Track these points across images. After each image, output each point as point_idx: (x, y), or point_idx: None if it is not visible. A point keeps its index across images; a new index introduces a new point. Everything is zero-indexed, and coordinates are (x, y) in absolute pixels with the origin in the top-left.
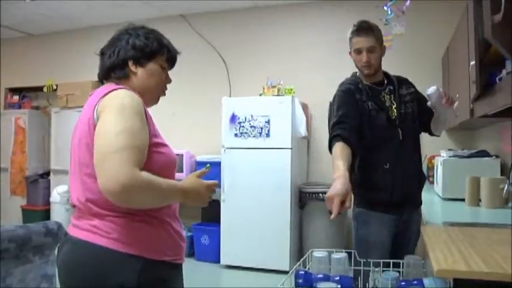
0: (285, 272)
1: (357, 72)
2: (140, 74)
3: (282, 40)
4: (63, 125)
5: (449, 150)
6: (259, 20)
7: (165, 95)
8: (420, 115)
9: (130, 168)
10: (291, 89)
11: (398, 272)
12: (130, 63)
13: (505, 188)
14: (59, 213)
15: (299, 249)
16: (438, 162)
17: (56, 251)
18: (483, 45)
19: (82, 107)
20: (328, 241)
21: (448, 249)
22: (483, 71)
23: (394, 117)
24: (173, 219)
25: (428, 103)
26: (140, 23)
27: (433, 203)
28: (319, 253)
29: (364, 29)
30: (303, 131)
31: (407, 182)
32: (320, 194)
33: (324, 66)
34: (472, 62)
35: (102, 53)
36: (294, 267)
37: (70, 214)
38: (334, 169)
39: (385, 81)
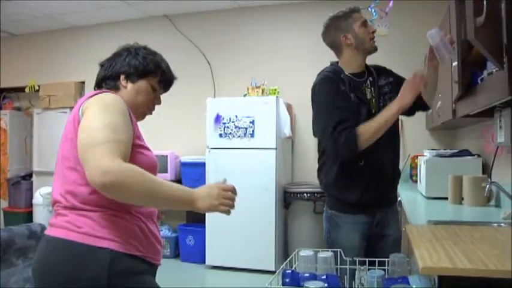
0: (271, 272)
1: (337, 62)
2: (129, 89)
3: (266, 40)
4: (45, 126)
5: (432, 149)
6: (243, 21)
7: (151, 114)
8: None
9: (114, 158)
10: (275, 90)
11: (384, 270)
12: (122, 77)
13: (487, 186)
14: (41, 215)
15: (284, 249)
16: (421, 161)
17: None
18: (465, 46)
19: (65, 108)
20: (312, 240)
21: (432, 247)
22: (465, 72)
23: (374, 111)
24: (148, 220)
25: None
26: (123, 23)
27: (416, 201)
28: (305, 252)
29: (357, 8)
30: (287, 131)
31: (382, 180)
32: (304, 194)
33: (307, 66)
34: (455, 63)
35: (102, 65)
36: (281, 266)
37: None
38: (389, 108)
39: (366, 72)
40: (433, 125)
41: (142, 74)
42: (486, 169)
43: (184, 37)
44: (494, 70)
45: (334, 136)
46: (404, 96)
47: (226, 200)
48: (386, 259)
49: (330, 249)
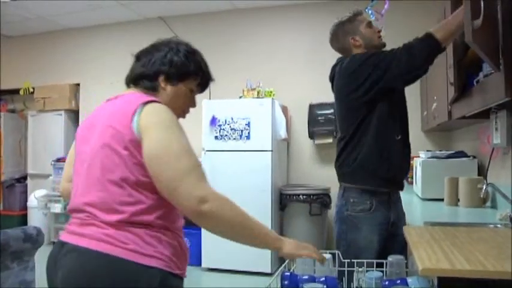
0: (267, 274)
1: None
2: (169, 91)
3: (261, 42)
4: (40, 128)
5: (428, 151)
6: (238, 22)
7: (184, 117)
8: None
9: (206, 184)
10: (271, 92)
11: (382, 271)
12: (161, 78)
13: (483, 188)
14: (36, 218)
15: None
16: (417, 163)
17: (35, 258)
18: (461, 48)
19: (59, 110)
20: (308, 242)
21: (431, 248)
22: (461, 74)
23: None
24: (181, 234)
25: None
26: (118, 25)
27: (412, 203)
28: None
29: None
30: (283, 133)
31: (409, 158)
32: (300, 196)
33: (303, 69)
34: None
35: (138, 57)
36: (280, 268)
37: (48, 219)
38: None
39: None
40: (428, 126)
41: (183, 76)
42: (482, 170)
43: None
44: (490, 72)
45: (407, 48)
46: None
47: (311, 251)
48: (384, 260)
49: (328, 251)
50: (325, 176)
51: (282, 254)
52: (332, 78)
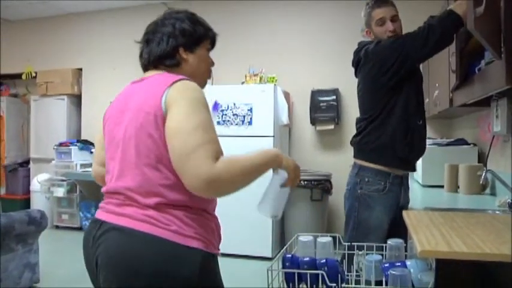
0: (268, 259)
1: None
2: (191, 60)
3: (264, 29)
4: (42, 113)
5: (429, 138)
6: (241, 9)
7: (210, 77)
8: None
9: (213, 162)
10: (273, 78)
11: (382, 255)
12: (181, 50)
13: (483, 175)
14: (39, 202)
15: (281, 236)
16: None
17: (38, 241)
18: (463, 37)
19: (62, 95)
20: (309, 227)
21: (430, 232)
22: (463, 61)
23: None
24: (215, 214)
25: None
26: (121, 10)
27: (413, 189)
28: (304, 238)
29: (383, 0)
30: (285, 119)
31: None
32: (301, 182)
33: (305, 55)
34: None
35: (147, 41)
36: (281, 251)
37: (51, 203)
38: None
39: None
40: (429, 114)
41: (198, 40)
42: (482, 158)
43: None
44: (491, 60)
45: (428, 27)
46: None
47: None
48: (384, 244)
49: (328, 234)
50: (326, 162)
51: (282, 166)
52: (357, 63)
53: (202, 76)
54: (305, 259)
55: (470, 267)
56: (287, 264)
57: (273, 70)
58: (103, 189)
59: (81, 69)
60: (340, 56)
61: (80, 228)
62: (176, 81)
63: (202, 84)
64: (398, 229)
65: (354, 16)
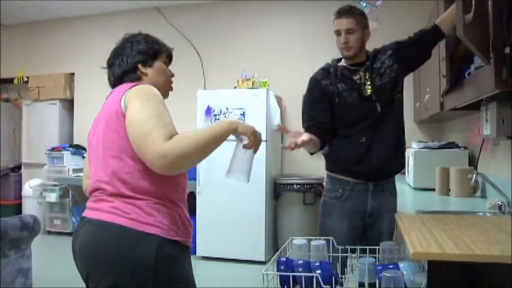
0: (261, 263)
1: (341, 59)
2: (150, 73)
3: (256, 33)
4: (34, 117)
5: (420, 142)
6: (233, 13)
7: (172, 89)
8: (415, 57)
9: (166, 141)
10: (266, 82)
11: (374, 257)
12: (140, 66)
13: (473, 178)
14: (31, 207)
15: (274, 240)
16: (409, 153)
17: (31, 246)
18: (454, 42)
19: (54, 99)
20: (302, 231)
21: (422, 234)
22: (453, 66)
23: (369, 93)
24: (184, 205)
25: None
26: (114, 15)
27: (404, 192)
28: (298, 241)
29: (344, 11)
30: (277, 124)
31: (384, 152)
32: (294, 185)
33: (297, 59)
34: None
35: (110, 65)
36: (276, 254)
37: (43, 208)
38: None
39: (365, 60)
40: (420, 117)
41: (154, 55)
42: (472, 161)
43: (174, 29)
44: (481, 65)
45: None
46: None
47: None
48: (377, 247)
49: (322, 238)
50: (318, 166)
51: (241, 132)
52: None
53: (163, 86)
54: (299, 262)
55: (462, 268)
56: (281, 267)
57: (265, 74)
58: (88, 191)
59: (73, 74)
60: None
61: (72, 233)
62: (134, 85)
63: (165, 94)
64: (370, 234)
65: None
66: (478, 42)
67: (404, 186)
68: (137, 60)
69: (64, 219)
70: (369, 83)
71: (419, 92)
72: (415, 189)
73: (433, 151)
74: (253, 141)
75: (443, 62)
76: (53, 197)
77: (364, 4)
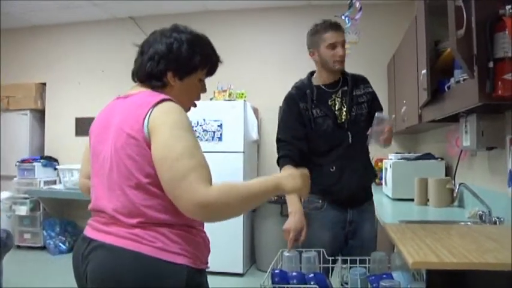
0: (239, 275)
1: (313, 73)
2: (178, 87)
3: (232, 45)
4: (4, 128)
5: (396, 153)
6: (209, 24)
7: (196, 106)
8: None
9: (206, 186)
10: (243, 94)
11: (365, 267)
12: (170, 74)
13: (456, 188)
14: (1, 221)
15: (251, 252)
16: (387, 164)
17: (2, 261)
18: (433, 55)
19: (25, 110)
20: (280, 243)
21: (416, 243)
22: (433, 79)
23: (343, 120)
24: (203, 228)
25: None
26: (87, 24)
27: (383, 203)
28: (289, 253)
29: (335, 24)
30: (254, 135)
31: (354, 182)
32: (271, 197)
33: (273, 71)
34: (423, 71)
35: (141, 52)
36: (270, 266)
37: (12, 222)
38: (289, 202)
39: (341, 81)
40: (396, 129)
41: (190, 70)
42: (448, 171)
43: None
44: (461, 78)
45: (279, 147)
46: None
47: (306, 181)
48: (367, 257)
49: (312, 249)
50: None
51: (286, 192)
52: None
53: (187, 103)
54: (294, 274)
55: (458, 276)
56: (276, 279)
57: (241, 86)
58: (90, 207)
59: (45, 84)
60: (308, 72)
61: (43, 248)
62: (158, 103)
63: (187, 110)
64: (353, 242)
65: None
66: (465, 57)
67: (382, 196)
68: (170, 66)
69: (34, 233)
70: (345, 109)
71: (394, 104)
72: (394, 199)
73: (410, 162)
74: (305, 191)
75: (425, 75)
76: (23, 210)
77: (346, 19)
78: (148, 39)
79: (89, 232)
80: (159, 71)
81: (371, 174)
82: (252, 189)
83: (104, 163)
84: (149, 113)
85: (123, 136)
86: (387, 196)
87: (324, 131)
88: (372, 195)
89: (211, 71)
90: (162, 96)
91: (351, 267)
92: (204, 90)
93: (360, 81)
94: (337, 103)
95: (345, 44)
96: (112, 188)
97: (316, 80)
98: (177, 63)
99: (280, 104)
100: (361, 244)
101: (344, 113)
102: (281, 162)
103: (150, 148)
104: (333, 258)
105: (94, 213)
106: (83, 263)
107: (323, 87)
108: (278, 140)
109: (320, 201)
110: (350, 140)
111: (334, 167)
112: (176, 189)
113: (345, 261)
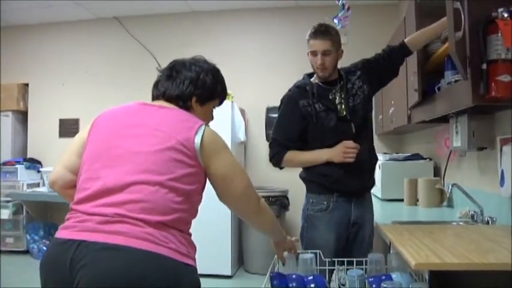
0: (227, 277)
1: (310, 74)
2: (198, 111)
3: (218, 45)
4: None
5: (385, 153)
6: (195, 24)
7: None
8: (383, 75)
9: (257, 200)
10: (230, 95)
11: (362, 269)
12: (194, 99)
13: (449, 189)
14: None
15: (239, 254)
16: (376, 165)
17: None
18: (424, 57)
19: (7, 111)
20: (268, 243)
21: (415, 244)
22: (424, 81)
23: (344, 113)
24: None
25: None
26: (71, 24)
27: (373, 203)
28: (287, 255)
29: (321, 32)
30: (242, 136)
31: (361, 173)
32: None
33: (260, 72)
34: (415, 71)
35: (169, 76)
36: (269, 269)
37: None
38: (319, 155)
39: (338, 79)
40: (383, 130)
41: (211, 97)
42: (437, 171)
43: (134, 40)
44: (453, 80)
45: (270, 147)
46: (335, 156)
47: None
48: (364, 259)
49: (309, 251)
50: (282, 179)
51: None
52: None
53: None
54: (293, 276)
55: (458, 276)
56: (275, 282)
57: (228, 87)
58: (79, 198)
59: (27, 84)
60: (295, 73)
61: (26, 252)
62: (202, 125)
63: None
64: (352, 244)
65: None
66: (460, 59)
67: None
68: (196, 92)
69: (17, 237)
70: (344, 102)
71: (382, 106)
72: (383, 200)
73: (399, 163)
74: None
75: (415, 77)
76: (5, 213)
77: (337, 21)
78: (175, 66)
79: (74, 234)
80: (187, 95)
81: (374, 159)
82: (276, 221)
83: (127, 158)
84: (200, 131)
85: (173, 141)
86: (377, 197)
87: (328, 125)
88: (374, 181)
89: (222, 101)
90: (200, 120)
91: (347, 269)
92: (212, 118)
93: (349, 72)
94: (337, 97)
95: (327, 52)
96: (139, 183)
97: (315, 79)
98: (203, 89)
99: (267, 105)
100: (360, 245)
101: (344, 106)
102: (273, 161)
103: (195, 160)
104: (330, 259)
105: (77, 212)
106: (71, 270)
107: (322, 84)
108: (271, 139)
109: (325, 203)
110: (354, 130)
111: None
112: (251, 197)
113: (341, 263)
